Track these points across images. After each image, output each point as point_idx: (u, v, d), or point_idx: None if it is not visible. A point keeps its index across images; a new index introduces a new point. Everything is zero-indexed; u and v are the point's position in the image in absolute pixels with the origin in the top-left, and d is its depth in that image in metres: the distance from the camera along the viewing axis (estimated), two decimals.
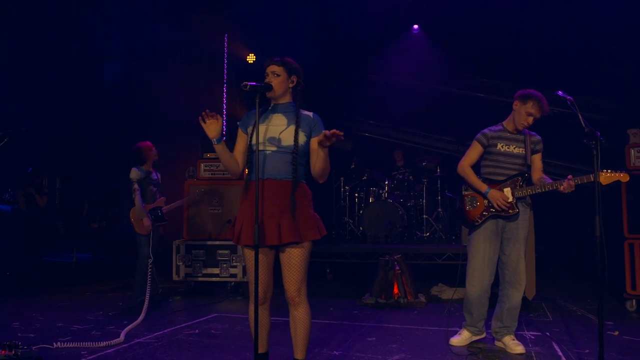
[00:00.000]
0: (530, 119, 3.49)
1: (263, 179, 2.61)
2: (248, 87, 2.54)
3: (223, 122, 2.79)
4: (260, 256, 2.63)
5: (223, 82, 8.94)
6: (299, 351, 2.70)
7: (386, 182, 7.20)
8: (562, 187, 3.34)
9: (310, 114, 2.73)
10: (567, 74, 6.85)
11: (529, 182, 3.57)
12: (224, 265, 6.11)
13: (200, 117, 2.67)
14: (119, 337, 3.88)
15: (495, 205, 3.49)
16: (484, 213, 3.58)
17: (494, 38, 7.42)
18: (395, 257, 5.55)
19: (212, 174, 6.38)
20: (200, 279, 6.12)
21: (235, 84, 8.63)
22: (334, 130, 2.45)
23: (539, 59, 7.19)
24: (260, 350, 2.80)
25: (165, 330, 4.20)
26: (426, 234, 6.70)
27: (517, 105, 3.55)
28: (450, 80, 8.19)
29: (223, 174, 6.38)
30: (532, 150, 3.60)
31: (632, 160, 4.99)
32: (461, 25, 7.53)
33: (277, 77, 2.70)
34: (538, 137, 3.66)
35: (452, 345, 3.67)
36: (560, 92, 2.86)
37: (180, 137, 8.28)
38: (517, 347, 3.48)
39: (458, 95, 8.13)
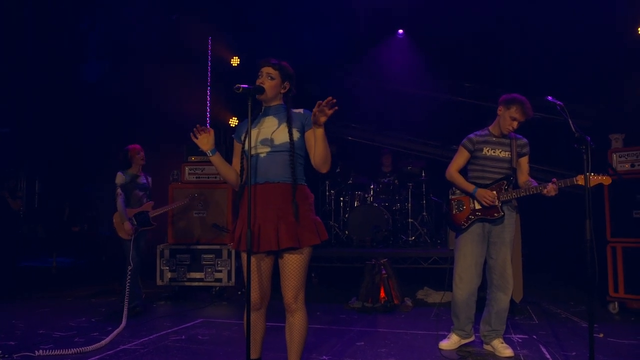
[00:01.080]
0: (515, 123, 3.54)
1: (261, 183, 2.57)
2: (241, 89, 2.51)
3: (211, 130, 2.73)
4: (258, 262, 2.60)
5: (207, 85, 8.86)
6: (294, 357, 2.67)
7: (371, 186, 7.21)
8: (545, 190, 3.39)
9: (300, 110, 2.69)
10: (551, 80, 6.96)
11: (514, 185, 3.62)
12: (209, 270, 6.05)
13: (191, 134, 2.66)
14: (100, 342, 3.80)
15: (483, 203, 3.52)
16: (470, 216, 3.62)
17: (479, 43, 7.51)
18: (382, 261, 5.56)
19: (196, 178, 6.31)
20: (184, 283, 6.04)
21: (220, 87, 8.57)
22: (327, 100, 2.38)
23: (524, 64, 7.28)
24: (253, 356, 2.77)
25: (151, 337, 4.13)
26: (411, 237, 6.72)
27: (501, 110, 3.60)
28: (435, 84, 8.25)
29: (208, 177, 6.32)
30: (518, 154, 3.65)
31: (614, 164, 5.07)
32: (446, 31, 7.60)
33: (271, 80, 2.67)
34: (524, 140, 3.71)
35: (442, 349, 3.68)
36: (550, 98, 2.90)
37: (163, 140, 8.18)
38: (505, 351, 3.51)
39: (443, 99, 8.19)
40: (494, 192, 3.53)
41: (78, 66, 9.26)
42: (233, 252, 6.08)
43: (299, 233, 2.52)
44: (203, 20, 8.43)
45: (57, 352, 3.60)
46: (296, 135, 2.60)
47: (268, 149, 2.60)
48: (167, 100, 8.14)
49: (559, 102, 2.83)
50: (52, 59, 9.04)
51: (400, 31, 8.15)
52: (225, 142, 6.82)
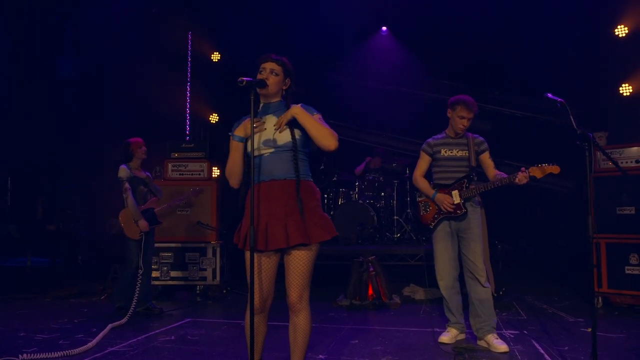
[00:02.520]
0: (465, 121, 3.74)
1: (266, 180, 2.50)
2: (245, 82, 2.43)
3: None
4: (264, 260, 2.52)
5: (187, 81, 8.69)
6: (297, 358, 2.61)
7: (356, 183, 7.19)
8: (517, 180, 3.52)
9: (298, 106, 2.62)
10: (531, 78, 7.05)
11: (478, 182, 3.78)
12: (193, 268, 5.94)
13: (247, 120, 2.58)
14: (87, 345, 3.68)
15: (441, 208, 3.75)
16: (436, 216, 3.85)
17: (463, 43, 7.56)
18: (369, 258, 5.54)
19: (180, 174, 6.18)
20: (168, 282, 5.92)
21: (200, 83, 8.41)
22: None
23: (506, 63, 7.36)
24: (255, 358, 2.70)
25: (139, 338, 4.01)
26: (397, 235, 6.73)
27: (449, 113, 3.83)
28: (419, 83, 8.28)
29: (191, 174, 6.20)
30: (476, 152, 3.82)
31: (598, 162, 5.17)
32: (429, 29, 7.63)
33: (275, 76, 2.60)
34: (480, 139, 3.89)
35: (442, 343, 3.75)
36: (549, 95, 2.91)
37: (143, 136, 8.00)
38: (501, 347, 3.53)
39: (426, 97, 8.23)
40: (454, 196, 3.74)
41: (53, 60, 8.94)
42: (218, 250, 5.98)
43: (308, 229, 2.45)
44: (183, 15, 8.26)
45: (42, 355, 3.45)
46: (298, 133, 2.53)
47: (272, 150, 2.53)
48: (146, 95, 7.95)
49: (559, 99, 2.84)
50: (25, 53, 8.73)
51: (384, 29, 8.14)
52: (206, 138, 6.71)
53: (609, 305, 5.03)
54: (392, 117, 8.22)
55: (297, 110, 2.49)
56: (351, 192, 7.14)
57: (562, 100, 2.84)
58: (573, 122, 2.75)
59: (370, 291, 5.43)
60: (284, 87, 2.66)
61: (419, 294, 5.81)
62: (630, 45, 6.69)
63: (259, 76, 2.61)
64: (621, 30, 6.73)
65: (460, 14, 7.50)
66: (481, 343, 3.70)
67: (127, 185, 4.77)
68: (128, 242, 4.83)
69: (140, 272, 4.70)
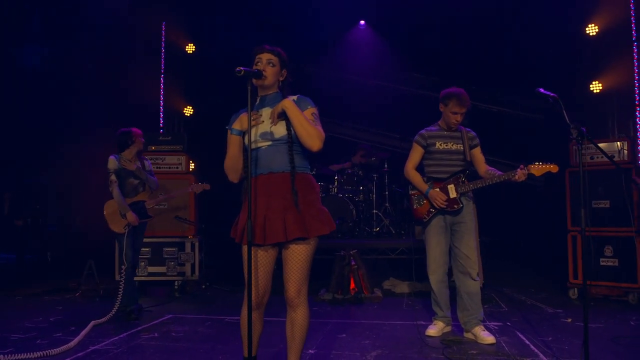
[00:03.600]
0: (458, 117, 3.73)
1: (264, 173, 2.46)
2: (242, 72, 2.38)
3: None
4: (262, 255, 2.47)
5: (160, 73, 8.48)
6: (294, 355, 2.56)
7: (335, 177, 7.17)
8: (516, 177, 3.54)
9: (295, 97, 2.57)
10: (510, 74, 7.16)
11: (471, 177, 3.78)
12: (171, 264, 5.83)
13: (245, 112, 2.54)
14: (68, 344, 3.55)
15: (435, 205, 3.72)
16: (431, 210, 3.78)
17: (439, 37, 7.60)
18: (351, 252, 5.54)
19: (157, 168, 6.03)
20: (145, 278, 5.78)
21: (174, 75, 8.22)
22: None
23: (481, 58, 7.45)
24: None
25: (121, 335, 3.90)
26: (376, 229, 6.75)
27: (442, 107, 3.79)
28: (395, 76, 8.31)
29: (169, 167, 6.07)
30: (470, 146, 3.82)
31: (575, 157, 5.29)
32: (406, 24, 7.65)
33: (272, 67, 2.56)
34: (473, 133, 3.90)
35: (429, 336, 3.76)
36: (541, 90, 2.94)
37: (114, 128, 7.79)
38: (488, 338, 3.58)
39: (405, 92, 8.26)
40: (451, 190, 3.72)
41: (18, 50, 8.58)
42: (197, 244, 5.88)
43: (307, 223, 2.41)
44: (157, 4, 8.05)
45: (19, 356, 3.31)
46: None
47: (269, 143, 2.49)
48: (118, 86, 7.74)
49: (551, 94, 2.88)
50: None
51: (362, 22, 8.13)
52: (183, 131, 6.56)
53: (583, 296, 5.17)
54: (370, 111, 8.22)
55: (287, 104, 2.44)
56: (330, 186, 7.12)
57: (555, 95, 2.88)
58: (566, 116, 2.79)
59: (352, 285, 5.43)
60: (281, 79, 2.62)
61: (400, 287, 5.85)
62: (600, 43, 6.88)
63: (254, 67, 2.56)
64: (592, 29, 6.90)
65: (437, 10, 7.56)
66: (468, 335, 3.74)
67: (113, 177, 4.52)
68: (118, 237, 4.61)
69: (123, 267, 4.50)
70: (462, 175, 3.76)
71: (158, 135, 6.19)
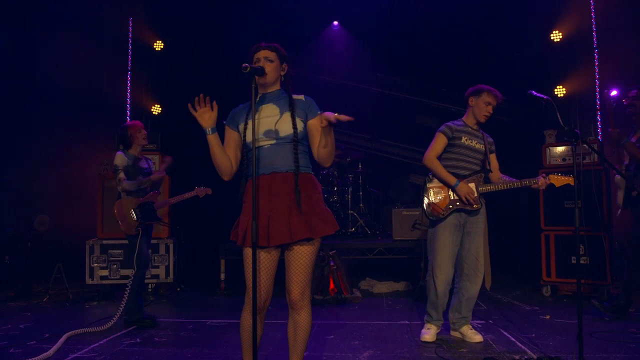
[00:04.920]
0: (490, 108, 3.69)
1: (267, 173, 2.39)
2: (249, 68, 2.32)
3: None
4: (264, 257, 2.40)
5: (127, 70, 8.22)
6: (296, 358, 2.52)
7: None
8: (538, 184, 3.57)
9: (302, 96, 2.54)
10: (482, 78, 7.29)
11: (487, 179, 3.73)
12: None
13: (189, 104, 2.37)
14: (46, 352, 3.37)
15: (462, 199, 3.56)
16: (450, 206, 3.62)
17: (411, 40, 7.69)
18: (330, 252, 5.52)
19: None
20: (117, 281, 5.58)
21: (141, 72, 7.98)
22: (342, 116, 2.26)
23: (450, 62, 7.58)
24: (251, 358, 2.59)
25: (101, 342, 3.74)
26: (351, 229, 6.75)
27: (472, 100, 3.73)
28: (368, 78, 8.34)
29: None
30: (489, 150, 3.78)
31: (547, 159, 5.46)
32: (379, 25, 7.70)
33: (271, 63, 2.50)
34: (491, 139, 3.87)
35: (425, 342, 3.64)
36: (533, 92, 3.00)
37: (77, 127, 7.51)
38: (476, 337, 3.63)
39: (376, 93, 8.31)
40: (473, 189, 3.60)
41: None
42: (171, 246, 5.72)
43: (312, 223, 2.36)
44: None
45: None
46: (300, 125, 2.45)
47: (272, 141, 2.42)
48: (84, 83, 7.46)
49: (544, 97, 2.94)
50: None
51: (336, 23, 8.12)
52: (157, 130, 6.37)
53: (556, 293, 5.35)
54: (343, 111, 8.21)
55: (332, 119, 2.28)
56: None
57: (548, 98, 2.94)
58: (559, 119, 2.86)
59: (332, 286, 5.42)
60: (282, 73, 2.57)
61: (378, 287, 5.88)
62: (564, 49, 7.15)
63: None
64: (556, 36, 7.17)
65: (407, 12, 7.65)
66: (455, 334, 3.78)
67: (121, 175, 4.22)
68: (131, 239, 4.31)
69: (132, 273, 4.23)
70: (482, 174, 3.67)
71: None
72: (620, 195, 4.41)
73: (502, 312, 4.59)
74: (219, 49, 7.80)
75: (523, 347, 3.49)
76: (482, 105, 3.67)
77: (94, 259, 5.51)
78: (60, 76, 7.44)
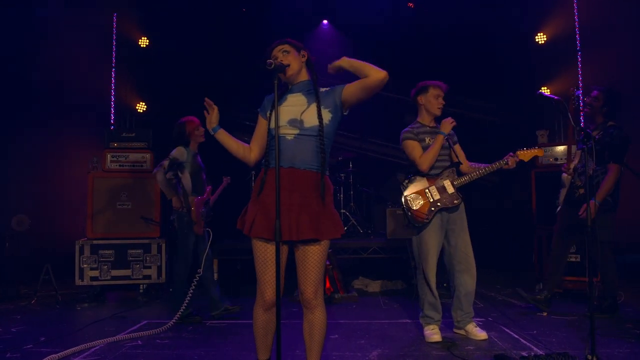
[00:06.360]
0: (441, 99, 3.74)
1: (285, 167, 2.36)
2: (273, 65, 2.32)
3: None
4: (272, 251, 2.38)
5: (112, 66, 8.03)
6: (314, 357, 2.51)
7: None
8: (509, 165, 3.64)
9: (328, 88, 2.54)
10: (473, 79, 7.39)
11: (459, 172, 3.79)
12: (137, 266, 5.53)
13: (205, 111, 2.54)
14: (48, 356, 3.26)
15: (450, 127, 3.65)
16: (432, 209, 3.64)
17: (400, 39, 7.73)
18: None
19: (120, 166, 5.71)
20: (108, 282, 5.45)
21: (126, 69, 7.82)
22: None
23: (439, 63, 7.64)
24: (265, 356, 2.59)
25: (101, 345, 3.64)
26: (344, 228, 6.75)
27: (421, 99, 3.78)
28: (355, 77, 8.34)
29: (133, 165, 5.75)
30: (452, 142, 3.82)
31: (540, 158, 5.55)
32: (368, 25, 7.72)
33: (288, 54, 2.50)
34: (452, 131, 3.85)
35: (435, 342, 3.62)
36: (543, 93, 3.04)
37: (59, 123, 7.31)
38: (481, 334, 3.66)
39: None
40: (447, 186, 3.66)
41: None
42: (164, 246, 5.62)
43: (320, 225, 2.35)
44: None
45: None
46: (327, 117, 2.42)
47: (296, 131, 2.39)
48: (65, 80, 7.26)
49: (555, 97, 2.98)
50: None
51: (325, 22, 8.10)
52: (131, 127, 6.21)
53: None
54: None
55: (344, 61, 2.45)
56: None
57: (558, 98, 2.98)
58: (571, 119, 2.90)
59: (328, 285, 5.41)
60: (303, 59, 2.55)
61: (372, 286, 5.90)
62: (549, 51, 7.30)
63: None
64: (541, 38, 7.32)
65: (397, 13, 7.70)
66: (459, 332, 3.80)
67: (166, 162, 4.20)
68: (188, 236, 4.28)
69: (199, 273, 4.23)
70: (454, 169, 3.72)
71: (121, 131, 5.84)
72: (562, 194, 4.51)
73: (500, 310, 4.65)
74: (206, 46, 7.71)
75: (527, 343, 3.54)
76: (432, 100, 3.73)
77: (84, 259, 5.37)
78: (40, 72, 7.23)
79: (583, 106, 4.42)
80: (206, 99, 2.51)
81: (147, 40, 7.95)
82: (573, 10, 7.28)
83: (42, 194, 6.93)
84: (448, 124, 3.67)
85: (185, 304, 4.16)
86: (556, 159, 5.45)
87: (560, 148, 5.45)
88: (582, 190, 4.26)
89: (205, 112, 2.53)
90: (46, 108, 7.41)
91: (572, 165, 4.38)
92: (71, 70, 7.29)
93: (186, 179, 4.28)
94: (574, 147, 4.32)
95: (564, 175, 4.48)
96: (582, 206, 4.14)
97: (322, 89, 2.52)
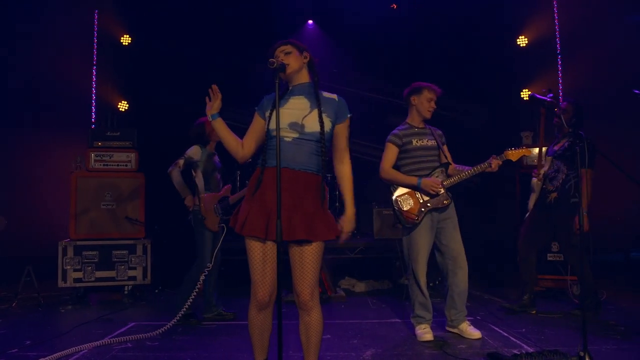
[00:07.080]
0: (433, 103, 3.78)
1: (280, 167, 2.35)
2: (275, 64, 2.31)
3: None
4: (269, 249, 2.38)
5: (92, 64, 7.88)
6: (312, 359, 2.50)
7: None
8: (490, 168, 3.67)
9: (334, 96, 2.54)
10: (458, 82, 7.45)
11: (447, 172, 3.82)
12: (121, 267, 5.42)
13: (207, 97, 2.52)
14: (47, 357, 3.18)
15: (430, 192, 3.64)
16: (422, 209, 3.69)
17: (384, 41, 7.76)
18: None
19: (104, 165, 5.59)
20: (92, 284, 5.34)
21: (107, 67, 7.68)
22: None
23: (427, 64, 7.71)
24: (262, 357, 2.57)
25: (89, 348, 3.56)
26: None
27: (414, 99, 3.81)
28: (344, 79, 8.34)
29: (117, 165, 5.65)
30: (440, 143, 3.87)
31: (525, 159, 5.64)
32: (353, 26, 7.73)
33: (289, 55, 2.50)
34: (440, 131, 3.94)
35: (428, 341, 3.64)
36: (536, 95, 3.10)
37: (45, 122, 7.15)
38: (475, 333, 3.70)
39: (347, 92, 8.30)
40: (436, 178, 3.70)
41: None
42: (149, 247, 5.53)
43: (314, 226, 2.35)
44: None
45: None
46: (327, 124, 2.46)
47: (296, 135, 2.40)
48: (44, 78, 7.11)
49: (547, 99, 3.04)
50: None
51: (310, 22, 8.08)
52: (112, 125, 6.10)
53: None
54: None
55: (349, 228, 2.57)
56: None
57: (551, 100, 3.03)
58: (564, 121, 2.96)
59: None
60: (305, 60, 2.55)
61: (359, 286, 5.91)
62: (530, 54, 7.42)
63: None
64: (522, 41, 7.44)
65: (380, 15, 7.73)
66: (453, 330, 3.83)
67: (181, 161, 4.24)
68: (203, 233, 4.26)
69: (208, 269, 4.10)
70: (443, 169, 3.75)
71: (106, 130, 5.72)
72: (532, 198, 4.60)
73: (487, 309, 4.71)
74: (189, 44, 7.61)
75: (517, 341, 3.60)
76: (425, 103, 3.76)
77: (67, 260, 5.24)
78: (17, 71, 7.07)
79: (555, 114, 4.49)
80: (213, 85, 2.49)
81: (130, 38, 7.82)
82: (553, 14, 7.43)
83: (21, 194, 6.76)
84: (429, 187, 3.63)
85: (189, 304, 4.04)
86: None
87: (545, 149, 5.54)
88: (554, 195, 4.34)
89: (207, 98, 2.50)
90: (24, 107, 7.24)
91: (542, 172, 4.46)
92: (50, 68, 7.14)
93: (199, 178, 4.31)
94: (544, 150, 4.40)
95: (534, 180, 4.56)
96: (555, 210, 4.31)
97: (324, 93, 2.52)
